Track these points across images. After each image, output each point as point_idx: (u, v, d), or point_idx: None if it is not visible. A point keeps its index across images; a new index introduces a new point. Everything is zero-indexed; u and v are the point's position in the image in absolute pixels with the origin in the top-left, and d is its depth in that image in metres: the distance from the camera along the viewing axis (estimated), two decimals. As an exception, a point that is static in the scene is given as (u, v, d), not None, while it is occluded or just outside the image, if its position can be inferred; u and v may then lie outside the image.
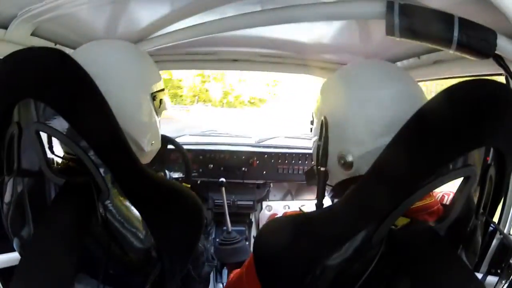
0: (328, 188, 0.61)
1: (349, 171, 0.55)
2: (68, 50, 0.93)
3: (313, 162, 0.64)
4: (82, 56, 0.59)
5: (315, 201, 0.62)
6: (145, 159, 0.70)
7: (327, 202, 0.60)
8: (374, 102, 0.52)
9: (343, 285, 0.47)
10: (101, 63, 0.61)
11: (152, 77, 0.68)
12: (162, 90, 0.69)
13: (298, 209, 0.62)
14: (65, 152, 0.61)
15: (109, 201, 0.55)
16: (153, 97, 0.66)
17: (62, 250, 0.49)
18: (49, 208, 0.55)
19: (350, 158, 0.53)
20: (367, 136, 0.52)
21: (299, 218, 0.56)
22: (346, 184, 0.55)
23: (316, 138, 0.61)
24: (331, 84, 0.62)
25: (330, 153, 0.57)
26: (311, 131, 0.66)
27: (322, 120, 0.57)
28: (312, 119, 0.65)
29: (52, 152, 0.60)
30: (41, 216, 0.54)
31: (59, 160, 0.61)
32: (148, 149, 0.67)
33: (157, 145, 0.71)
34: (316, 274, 0.47)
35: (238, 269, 0.78)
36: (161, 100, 0.68)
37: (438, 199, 0.56)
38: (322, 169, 0.58)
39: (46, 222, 0.53)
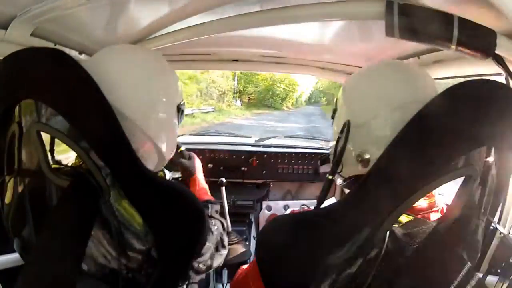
0: (339, 179, 0.62)
1: (366, 167, 0.56)
2: (68, 51, 0.93)
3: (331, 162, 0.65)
4: (112, 66, 0.59)
5: (316, 201, 0.63)
6: (162, 166, 0.71)
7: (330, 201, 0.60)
8: (393, 106, 0.54)
9: (346, 283, 0.47)
10: (134, 77, 0.60)
11: (177, 89, 0.68)
12: (182, 100, 0.69)
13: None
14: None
15: (110, 202, 0.55)
16: (178, 109, 0.67)
17: (66, 252, 0.50)
18: (54, 210, 0.55)
19: (367, 156, 0.55)
20: (386, 139, 0.52)
21: (301, 217, 0.56)
22: (359, 178, 0.55)
23: (335, 139, 0.62)
24: (352, 89, 0.63)
25: (349, 150, 0.58)
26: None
27: (345, 123, 0.58)
28: (333, 116, 0.67)
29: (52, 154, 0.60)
30: (44, 218, 0.54)
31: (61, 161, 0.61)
32: (169, 157, 0.69)
33: (174, 151, 0.72)
34: (319, 272, 0.47)
35: (245, 266, 0.78)
36: (182, 111, 0.68)
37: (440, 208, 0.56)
38: (330, 177, 0.60)
39: (51, 224, 0.53)
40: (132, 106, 0.58)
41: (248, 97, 19.85)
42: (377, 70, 0.63)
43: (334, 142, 0.62)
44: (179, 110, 0.67)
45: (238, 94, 19.05)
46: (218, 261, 0.74)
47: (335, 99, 0.68)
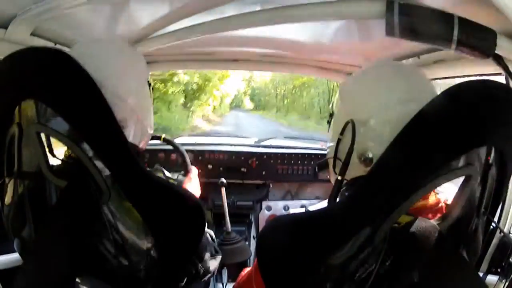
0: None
1: (368, 167, 0.55)
2: (68, 50, 0.93)
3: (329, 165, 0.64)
4: (86, 56, 0.59)
5: (316, 201, 0.62)
6: (146, 143, 0.74)
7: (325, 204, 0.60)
8: (393, 105, 0.53)
9: (347, 283, 0.47)
10: (109, 62, 0.64)
11: (145, 67, 0.73)
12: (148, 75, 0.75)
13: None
14: (67, 153, 0.61)
15: (110, 203, 0.55)
16: (149, 84, 0.72)
17: (65, 253, 0.50)
18: (52, 210, 0.54)
19: (370, 155, 0.55)
20: (387, 137, 0.52)
21: (302, 216, 0.56)
22: (361, 179, 0.55)
23: (335, 139, 0.61)
24: (350, 89, 0.63)
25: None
26: (328, 131, 0.67)
27: (347, 122, 0.58)
28: (330, 121, 0.66)
29: (52, 153, 0.60)
30: (43, 218, 0.54)
31: (59, 161, 0.61)
32: (151, 132, 0.74)
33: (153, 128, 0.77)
34: (320, 273, 0.47)
35: (249, 268, 0.79)
36: (153, 87, 0.75)
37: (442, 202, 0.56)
38: (340, 177, 0.58)
39: (49, 225, 0.52)
40: (123, 86, 0.63)
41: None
42: (375, 68, 0.63)
43: (333, 144, 0.61)
44: (149, 85, 0.73)
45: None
46: (214, 265, 0.76)
47: (333, 102, 0.66)
